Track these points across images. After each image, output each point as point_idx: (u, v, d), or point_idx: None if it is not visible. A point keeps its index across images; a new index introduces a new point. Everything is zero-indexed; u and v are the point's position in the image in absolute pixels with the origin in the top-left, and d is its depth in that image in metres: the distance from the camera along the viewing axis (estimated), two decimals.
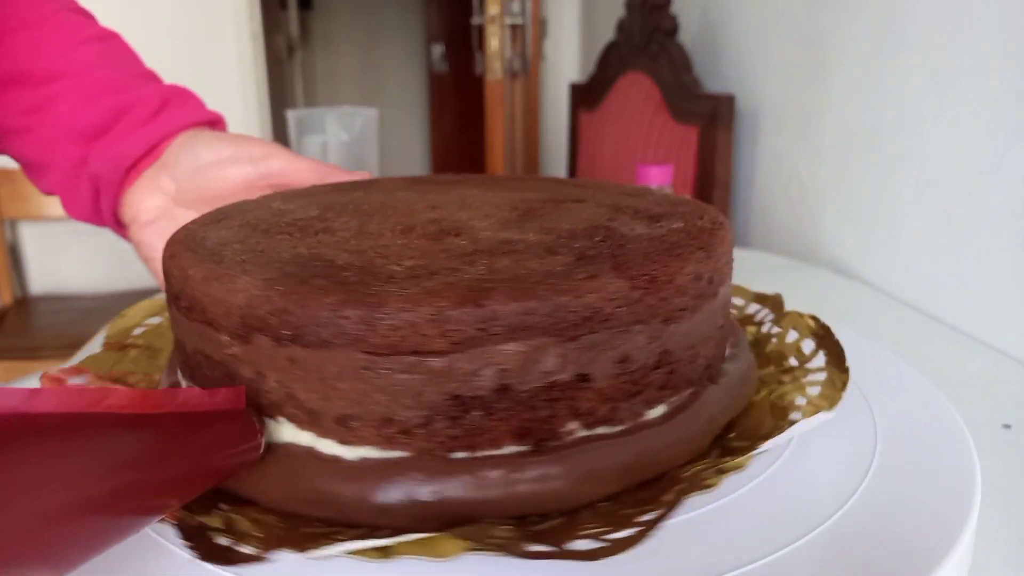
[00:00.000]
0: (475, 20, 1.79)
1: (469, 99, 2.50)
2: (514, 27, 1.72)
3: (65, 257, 1.69)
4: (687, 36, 1.04)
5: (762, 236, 0.90)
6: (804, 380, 0.28)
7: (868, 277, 0.70)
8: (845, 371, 0.27)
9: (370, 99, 3.24)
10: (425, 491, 0.21)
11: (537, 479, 0.21)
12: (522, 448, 0.21)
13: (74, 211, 0.45)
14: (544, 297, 0.20)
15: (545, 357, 0.20)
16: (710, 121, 0.89)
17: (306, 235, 0.27)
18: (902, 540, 0.20)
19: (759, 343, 0.33)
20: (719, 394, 0.25)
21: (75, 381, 0.29)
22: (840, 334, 0.34)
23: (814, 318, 0.32)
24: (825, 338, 0.30)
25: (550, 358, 0.21)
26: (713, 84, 0.99)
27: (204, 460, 0.19)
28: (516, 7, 1.71)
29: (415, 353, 0.20)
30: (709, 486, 0.22)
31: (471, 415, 0.21)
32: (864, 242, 0.70)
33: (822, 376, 0.28)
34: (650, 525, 0.20)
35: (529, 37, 1.75)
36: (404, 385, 0.20)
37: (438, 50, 2.96)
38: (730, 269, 0.27)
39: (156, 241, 0.43)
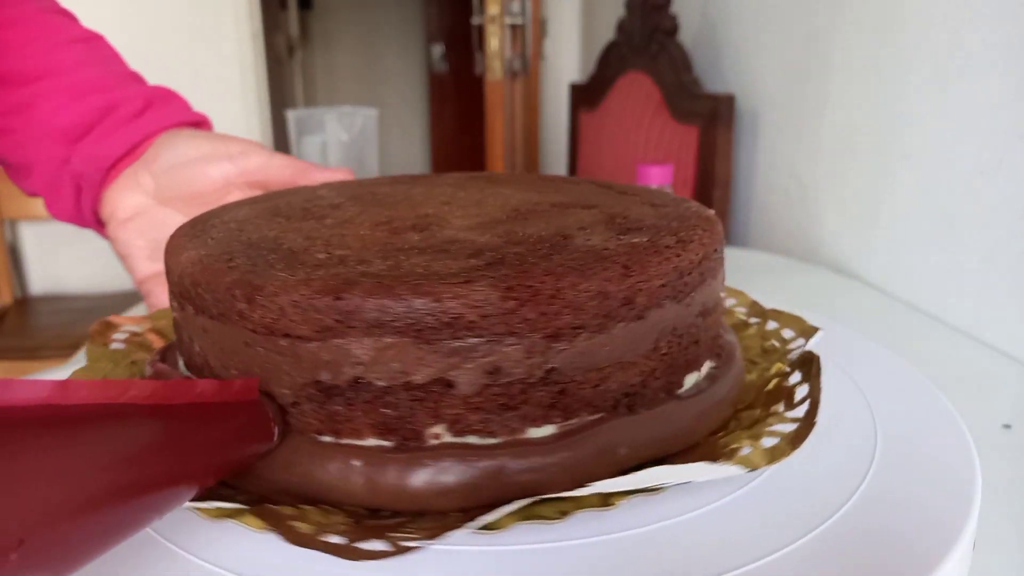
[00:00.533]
0: (475, 20, 1.79)
1: (469, 99, 2.50)
2: (514, 27, 1.72)
3: (65, 257, 1.69)
4: (687, 36, 1.04)
5: (762, 236, 0.90)
6: (768, 428, 0.24)
7: (868, 277, 0.70)
8: (810, 425, 0.24)
9: (370, 99, 3.24)
10: (296, 469, 0.22)
11: (394, 477, 0.21)
12: (384, 443, 0.22)
13: (57, 211, 0.45)
14: (401, 297, 0.20)
15: (401, 357, 0.21)
16: (710, 121, 0.89)
17: (300, 220, 0.28)
18: (902, 540, 0.20)
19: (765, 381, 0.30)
20: (635, 426, 0.23)
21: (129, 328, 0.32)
22: (840, 334, 0.34)
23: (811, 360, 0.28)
24: (813, 383, 0.26)
25: (406, 358, 0.21)
26: (713, 84, 0.99)
27: (221, 449, 0.20)
28: (516, 7, 1.71)
29: (286, 336, 0.21)
30: (547, 518, 0.21)
31: (333, 402, 0.22)
32: (864, 242, 0.70)
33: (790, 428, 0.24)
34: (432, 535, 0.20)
35: (529, 37, 1.75)
36: (276, 365, 0.22)
37: (438, 50, 2.96)
38: (688, 292, 0.24)
39: (133, 238, 0.43)
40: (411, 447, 0.22)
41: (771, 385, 0.27)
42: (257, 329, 0.22)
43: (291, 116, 0.93)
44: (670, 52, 0.97)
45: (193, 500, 0.20)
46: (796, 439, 0.23)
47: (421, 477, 0.21)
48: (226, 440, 0.20)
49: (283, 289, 0.21)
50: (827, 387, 0.29)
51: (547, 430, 0.22)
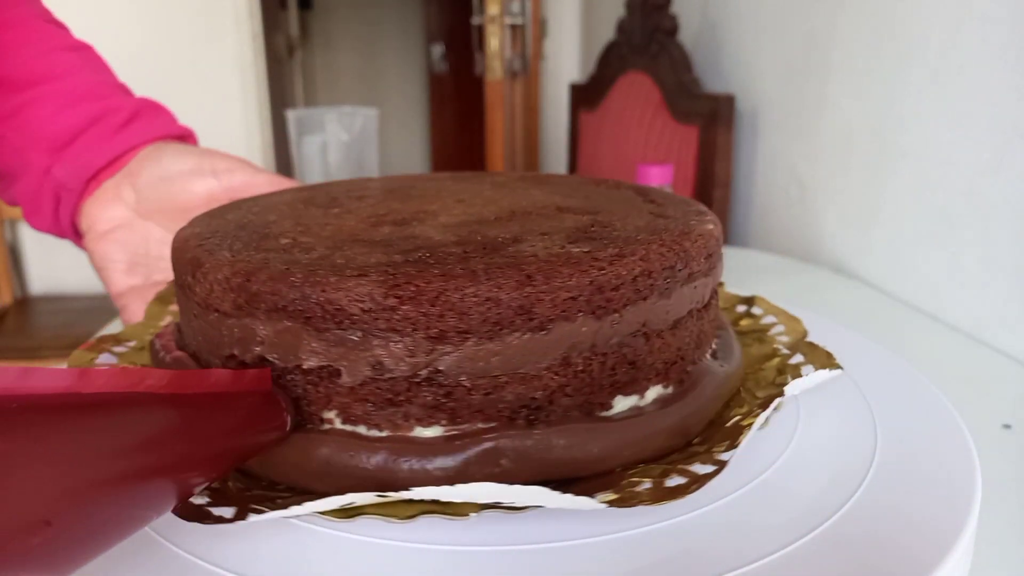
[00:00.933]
0: (475, 20, 1.79)
1: (469, 99, 2.50)
2: (514, 27, 1.72)
3: (65, 257, 1.69)
4: (687, 36, 1.04)
5: (762, 236, 0.90)
6: (687, 466, 0.23)
7: (868, 277, 0.70)
8: (700, 480, 0.22)
9: (370, 99, 3.24)
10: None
11: (292, 452, 0.22)
12: (291, 421, 0.23)
13: (36, 222, 0.44)
14: (294, 285, 0.22)
15: (294, 341, 0.22)
16: (710, 121, 0.89)
17: (318, 207, 0.30)
18: (902, 540, 0.20)
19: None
20: (529, 441, 0.22)
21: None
22: (840, 334, 0.34)
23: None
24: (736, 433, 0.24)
25: (298, 343, 0.22)
26: (713, 84, 0.99)
27: (234, 437, 0.20)
28: (516, 7, 1.71)
29: (216, 311, 0.24)
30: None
31: None
32: (864, 242, 0.70)
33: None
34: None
35: (529, 37, 1.75)
36: (208, 337, 0.24)
37: (438, 50, 2.96)
38: (614, 309, 0.23)
39: (111, 251, 0.43)
40: (307, 428, 0.23)
41: (730, 422, 0.25)
42: (199, 302, 0.24)
43: (291, 116, 0.93)
44: (670, 52, 0.97)
45: (209, 487, 0.21)
46: (671, 492, 0.21)
47: (312, 457, 0.22)
48: (239, 428, 0.20)
49: (215, 268, 0.24)
50: (827, 387, 0.29)
51: (434, 431, 0.22)
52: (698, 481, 0.21)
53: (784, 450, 0.25)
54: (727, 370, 0.27)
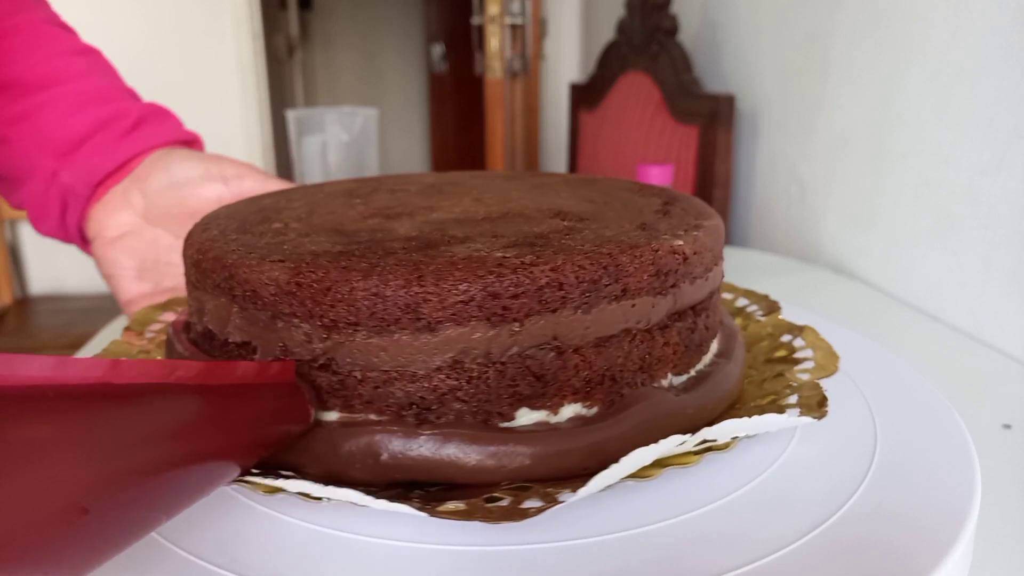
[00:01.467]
0: (475, 20, 1.79)
1: (469, 99, 2.50)
2: (514, 27, 1.72)
3: (65, 257, 1.69)
4: (687, 36, 1.04)
5: (762, 236, 0.90)
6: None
7: (868, 277, 0.70)
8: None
9: (370, 99, 3.24)
10: None
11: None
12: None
13: (42, 227, 0.44)
14: (224, 266, 0.24)
15: (226, 317, 0.25)
16: (710, 121, 0.89)
17: (344, 198, 0.32)
18: (902, 540, 0.20)
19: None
20: (411, 441, 0.22)
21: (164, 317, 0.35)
22: (840, 334, 0.34)
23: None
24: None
25: (227, 318, 0.25)
26: (713, 84, 0.99)
27: (260, 428, 0.21)
28: (516, 7, 1.71)
29: (190, 282, 0.27)
30: None
31: (202, 344, 0.27)
32: (864, 242, 0.70)
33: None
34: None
35: (529, 37, 1.75)
36: (191, 303, 0.28)
37: (438, 50, 2.96)
38: (515, 319, 0.22)
39: (120, 257, 0.42)
40: None
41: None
42: (188, 270, 0.27)
43: (291, 116, 0.93)
44: (670, 52, 0.98)
45: (239, 479, 0.21)
46: (506, 513, 0.20)
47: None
48: (265, 419, 0.21)
49: (188, 245, 0.27)
50: (827, 387, 0.29)
51: (332, 415, 0.23)
52: (533, 513, 0.20)
53: (783, 450, 0.25)
54: (687, 401, 0.25)
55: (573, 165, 1.39)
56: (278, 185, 0.43)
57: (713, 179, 0.89)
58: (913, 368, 0.31)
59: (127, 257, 0.42)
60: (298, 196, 0.33)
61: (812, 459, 0.24)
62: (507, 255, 0.22)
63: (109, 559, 0.16)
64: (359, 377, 0.23)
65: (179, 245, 0.43)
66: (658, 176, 0.72)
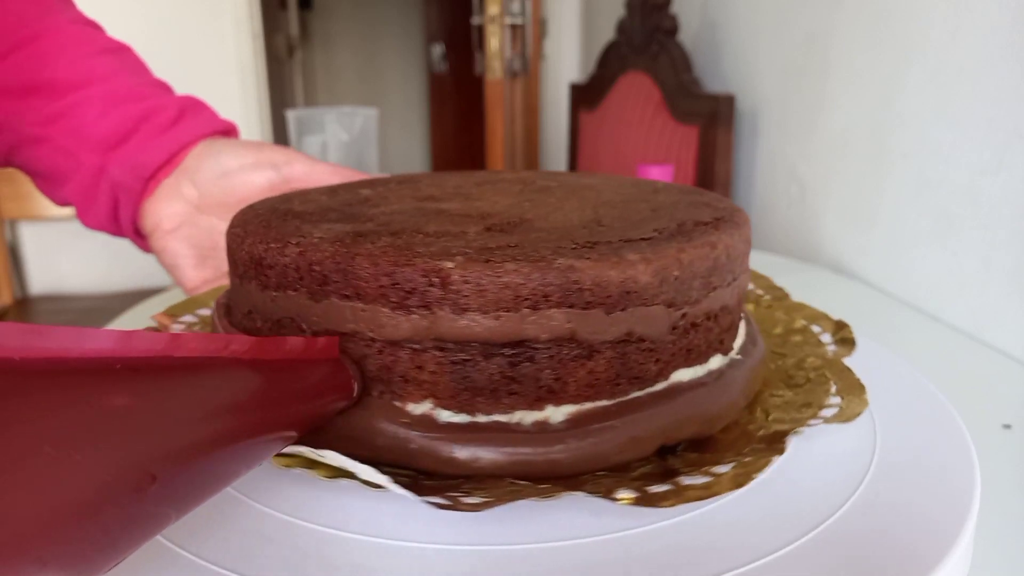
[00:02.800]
0: (475, 20, 1.79)
1: (469, 99, 2.50)
2: (514, 27, 1.72)
3: (65, 257, 1.69)
4: (687, 36, 1.04)
5: (762, 236, 0.90)
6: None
7: (868, 277, 0.70)
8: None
9: (370, 99, 3.24)
10: None
11: None
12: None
13: (90, 220, 0.45)
14: (244, 240, 0.25)
15: (248, 289, 0.26)
16: (710, 121, 0.89)
17: (407, 191, 0.32)
18: (901, 540, 0.20)
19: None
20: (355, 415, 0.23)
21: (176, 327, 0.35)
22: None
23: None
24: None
25: (250, 294, 0.26)
26: (713, 84, 0.99)
27: (307, 402, 0.21)
28: (516, 7, 1.71)
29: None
30: None
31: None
32: (864, 242, 0.70)
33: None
34: None
35: (529, 37, 1.75)
36: None
37: (438, 50, 2.96)
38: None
39: (180, 247, 0.44)
40: None
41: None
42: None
43: (291, 116, 0.93)
44: (670, 52, 0.98)
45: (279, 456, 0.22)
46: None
47: None
48: (312, 394, 0.21)
49: (235, 220, 0.28)
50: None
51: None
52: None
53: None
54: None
55: (573, 165, 1.39)
56: (328, 167, 0.44)
57: (713, 179, 0.89)
58: (913, 368, 0.31)
59: (186, 247, 0.44)
60: (393, 190, 0.33)
61: (812, 458, 0.24)
62: (426, 249, 0.23)
63: (167, 527, 0.16)
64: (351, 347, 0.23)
65: None
66: (658, 176, 0.72)
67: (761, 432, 0.25)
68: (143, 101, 0.44)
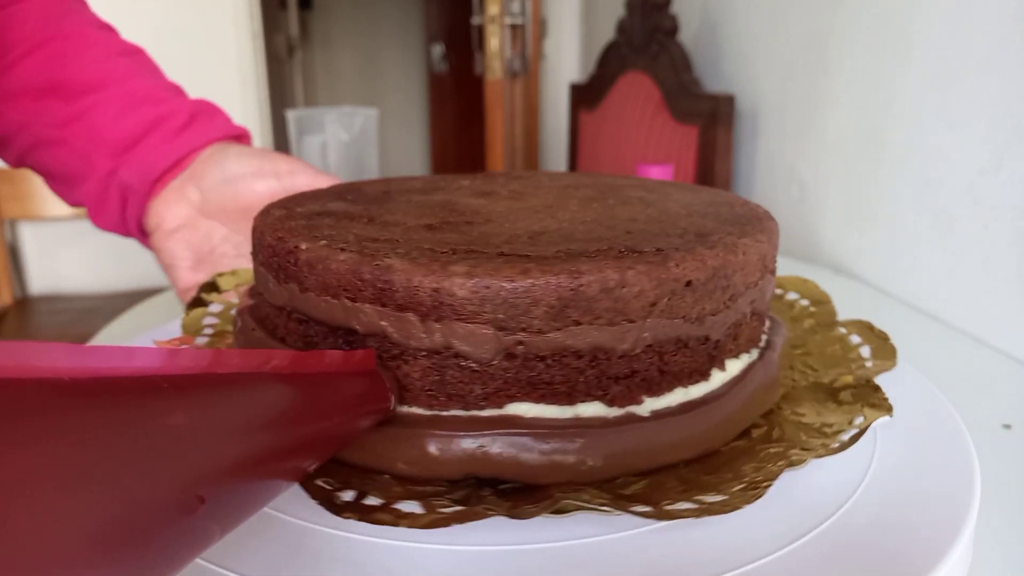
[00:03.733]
0: (475, 20, 1.79)
1: (469, 99, 2.50)
2: (514, 27, 1.72)
3: (65, 257, 1.69)
4: (687, 36, 1.04)
5: None
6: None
7: (868, 277, 0.70)
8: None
9: (370, 99, 3.24)
10: None
11: None
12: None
13: (102, 222, 0.46)
14: (263, 235, 0.26)
15: (264, 280, 0.26)
16: (710, 121, 0.89)
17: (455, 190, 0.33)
18: (901, 540, 0.20)
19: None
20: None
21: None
22: None
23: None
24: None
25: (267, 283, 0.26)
26: (713, 84, 0.99)
27: (347, 415, 0.21)
28: (516, 7, 1.71)
29: None
30: None
31: None
32: (864, 242, 0.70)
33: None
34: None
35: (529, 37, 1.75)
36: None
37: (438, 50, 2.96)
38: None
39: (178, 249, 0.45)
40: None
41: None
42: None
43: (291, 116, 0.93)
44: (670, 52, 0.97)
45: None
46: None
47: None
48: (351, 407, 0.21)
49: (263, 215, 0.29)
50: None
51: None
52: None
53: None
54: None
55: (573, 165, 1.39)
56: (329, 181, 0.44)
57: (713, 179, 0.89)
58: (913, 368, 0.31)
59: (184, 248, 0.45)
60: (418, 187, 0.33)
61: (811, 459, 0.24)
62: (426, 248, 0.24)
63: (208, 549, 0.16)
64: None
65: (232, 237, 0.45)
66: (658, 176, 0.72)
67: (753, 469, 0.23)
68: (158, 105, 0.44)
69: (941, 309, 0.60)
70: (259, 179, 0.43)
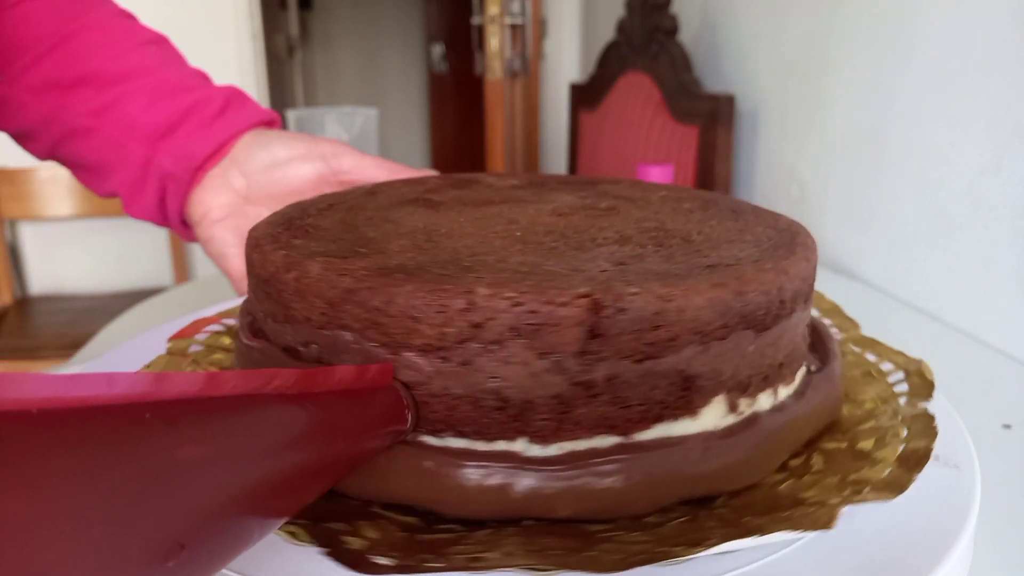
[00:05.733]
0: (475, 20, 1.79)
1: (469, 99, 2.50)
2: (514, 27, 1.72)
3: (65, 257, 1.69)
4: (687, 36, 1.04)
5: None
6: None
7: (868, 277, 0.70)
8: None
9: (370, 99, 3.24)
10: None
11: None
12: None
13: (137, 211, 0.46)
14: (255, 242, 0.24)
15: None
16: (710, 121, 0.89)
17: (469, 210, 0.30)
18: (902, 540, 0.20)
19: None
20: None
21: None
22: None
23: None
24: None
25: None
26: (713, 84, 0.99)
27: (360, 435, 0.19)
28: (516, 7, 1.71)
29: None
30: None
31: None
32: (864, 242, 0.70)
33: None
34: None
35: (529, 37, 1.75)
36: None
37: (438, 50, 2.96)
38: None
39: (229, 236, 0.44)
40: None
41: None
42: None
43: (291, 116, 0.93)
44: (670, 52, 0.98)
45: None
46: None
47: None
48: (365, 425, 0.19)
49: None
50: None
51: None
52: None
53: None
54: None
55: (573, 165, 1.39)
56: (375, 161, 0.44)
57: (713, 179, 0.89)
58: None
59: (233, 236, 0.44)
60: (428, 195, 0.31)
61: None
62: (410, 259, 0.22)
63: None
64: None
65: None
66: (658, 176, 0.72)
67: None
68: (190, 92, 0.44)
69: (941, 309, 0.60)
70: (306, 162, 0.44)
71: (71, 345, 1.28)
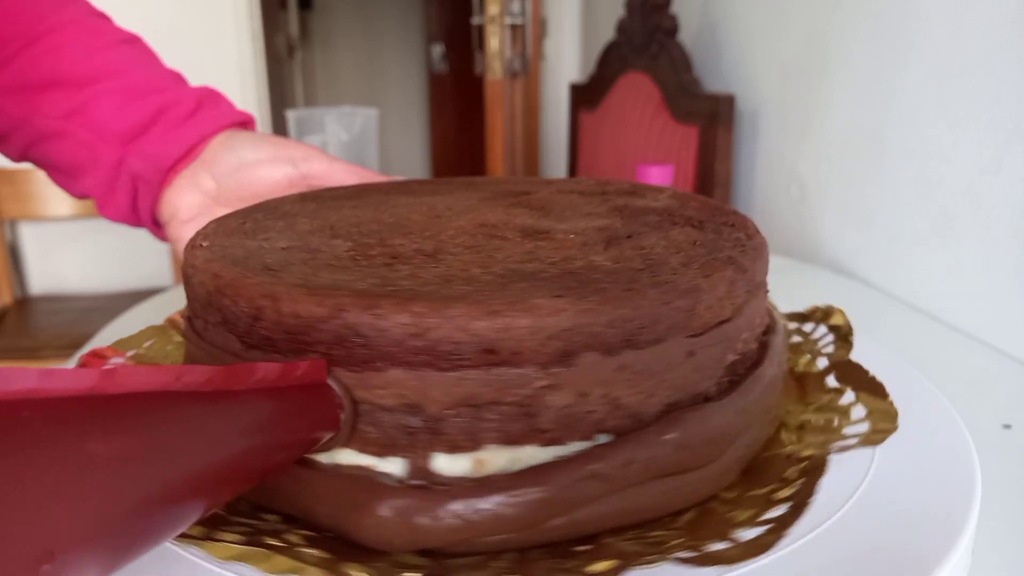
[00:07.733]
0: (475, 20, 1.79)
1: (469, 99, 2.50)
2: (514, 27, 1.72)
3: (65, 257, 1.69)
4: (687, 36, 1.04)
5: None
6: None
7: (868, 277, 0.70)
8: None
9: (370, 99, 3.24)
10: None
11: None
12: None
13: (110, 212, 0.46)
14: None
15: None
16: (710, 121, 0.89)
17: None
18: (902, 540, 0.20)
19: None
20: None
21: (115, 361, 0.29)
22: None
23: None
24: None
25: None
26: (713, 84, 0.99)
27: (283, 437, 0.18)
28: (516, 7, 1.71)
29: None
30: None
31: None
32: (864, 242, 0.70)
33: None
34: None
35: (529, 37, 1.75)
36: None
37: (438, 50, 2.96)
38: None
39: None
40: None
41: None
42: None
43: (291, 116, 0.93)
44: (670, 52, 0.97)
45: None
46: None
47: None
48: (290, 426, 0.18)
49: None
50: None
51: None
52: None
53: None
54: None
55: (573, 165, 1.39)
56: (345, 167, 0.44)
57: (713, 179, 0.89)
58: (913, 368, 0.31)
59: None
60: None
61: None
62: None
63: None
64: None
65: None
66: (658, 176, 0.72)
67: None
68: (161, 93, 0.44)
69: (941, 309, 0.60)
70: (275, 165, 0.43)
71: (71, 345, 1.28)
